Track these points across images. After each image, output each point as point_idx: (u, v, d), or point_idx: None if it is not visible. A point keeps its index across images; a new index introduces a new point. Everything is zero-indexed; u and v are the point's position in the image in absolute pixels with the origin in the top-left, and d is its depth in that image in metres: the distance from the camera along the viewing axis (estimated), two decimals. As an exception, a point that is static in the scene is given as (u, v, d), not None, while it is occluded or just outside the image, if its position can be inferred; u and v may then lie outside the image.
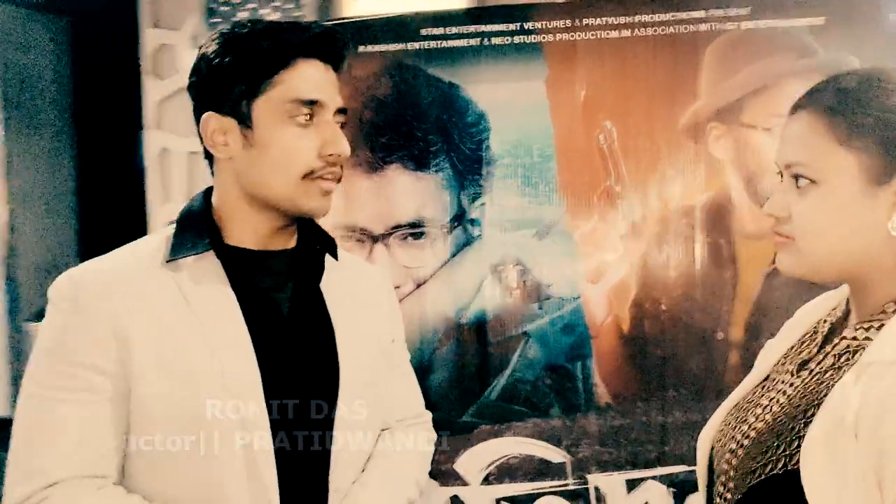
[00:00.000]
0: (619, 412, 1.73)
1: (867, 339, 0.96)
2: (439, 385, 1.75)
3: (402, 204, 1.77)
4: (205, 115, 1.14)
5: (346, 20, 1.89)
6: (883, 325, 0.95)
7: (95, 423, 1.08)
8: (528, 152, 1.73)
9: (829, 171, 0.95)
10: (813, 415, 0.94)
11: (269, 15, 2.70)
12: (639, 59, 1.71)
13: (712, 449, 1.16)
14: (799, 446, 0.93)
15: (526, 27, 1.75)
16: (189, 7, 2.70)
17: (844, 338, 0.99)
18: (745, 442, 1.04)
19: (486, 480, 1.74)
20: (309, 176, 1.11)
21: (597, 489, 1.72)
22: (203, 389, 1.09)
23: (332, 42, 1.16)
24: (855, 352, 0.96)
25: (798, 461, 0.92)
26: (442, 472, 1.74)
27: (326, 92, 1.13)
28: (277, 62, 1.10)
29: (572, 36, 1.73)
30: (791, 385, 1.04)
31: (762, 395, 1.10)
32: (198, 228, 1.17)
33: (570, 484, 1.73)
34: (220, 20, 2.66)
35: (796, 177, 0.98)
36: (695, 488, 1.70)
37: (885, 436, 0.84)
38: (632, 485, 1.72)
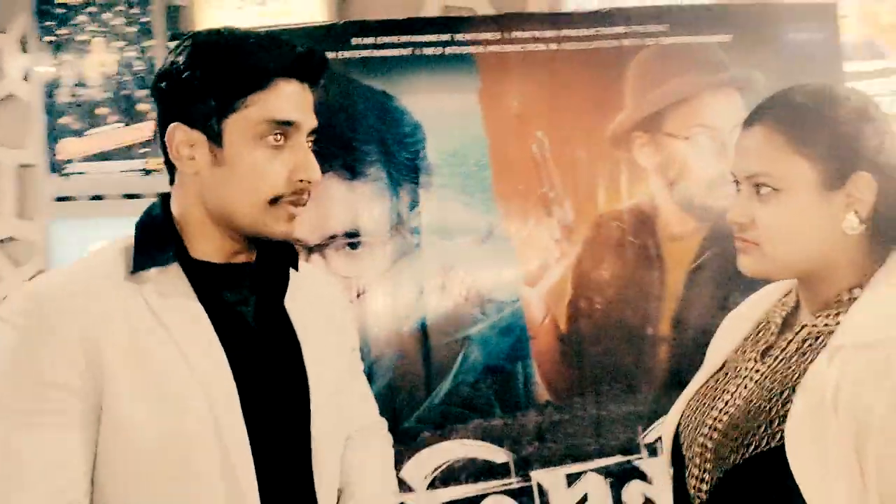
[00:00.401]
0: (558, 409, 1.80)
1: (826, 325, 1.06)
2: (382, 393, 1.75)
3: (337, 213, 1.76)
4: (171, 126, 1.09)
5: (274, 28, 1.85)
6: (840, 312, 1.06)
7: (66, 447, 1.02)
8: (464, 161, 1.77)
9: (789, 179, 1.05)
10: (788, 396, 1.03)
11: (112, 20, 2.56)
12: (567, 72, 1.80)
13: (678, 437, 1.24)
14: (780, 425, 1.01)
15: (457, 39, 1.79)
16: (16, 7, 2.51)
17: (805, 325, 1.09)
18: (720, 426, 1.11)
19: (433, 485, 1.76)
20: (276, 201, 1.09)
21: (539, 485, 1.78)
22: (182, 405, 1.06)
23: (314, 62, 1.14)
24: (817, 337, 1.06)
25: (781, 439, 1.00)
26: (388, 481, 1.74)
27: (303, 113, 1.11)
28: (257, 81, 1.07)
29: (503, 48, 1.79)
30: (757, 371, 1.13)
31: (726, 383, 1.18)
32: (161, 240, 1.13)
33: (514, 482, 1.78)
34: (53, 23, 2.49)
35: (757, 186, 1.08)
36: (630, 477, 1.82)
37: (862, 410, 0.94)
38: (572, 478, 1.79)
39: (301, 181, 1.10)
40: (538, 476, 1.78)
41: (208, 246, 1.14)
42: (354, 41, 1.76)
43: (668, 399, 1.82)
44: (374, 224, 1.78)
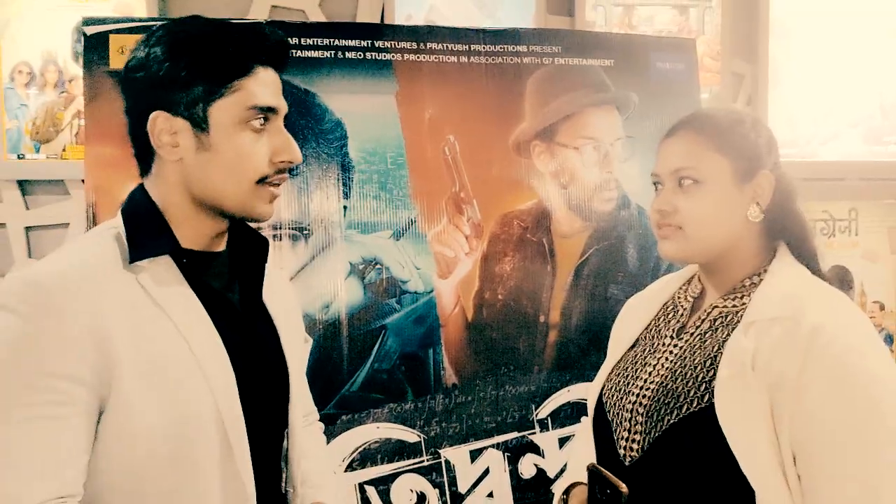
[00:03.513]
0: (463, 391, 1.96)
1: (735, 306, 1.30)
2: (303, 381, 1.81)
3: (259, 207, 1.78)
4: (153, 115, 1.12)
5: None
6: (744, 296, 1.30)
7: (71, 440, 1.02)
8: (382, 160, 1.87)
9: (710, 172, 1.27)
10: (711, 364, 1.25)
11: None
12: (475, 83, 1.97)
13: (601, 407, 1.43)
14: (707, 389, 1.23)
15: (377, 45, 1.90)
16: None
17: (716, 307, 1.33)
18: (648, 393, 1.32)
19: (350, 467, 1.85)
20: (261, 182, 1.15)
21: (447, 462, 1.93)
22: (184, 391, 1.09)
23: (286, 50, 1.21)
24: (726, 316, 1.30)
25: (708, 400, 1.22)
26: (308, 465, 1.80)
27: (279, 98, 1.18)
28: (240, 68, 1.12)
29: (418, 57, 1.92)
30: (675, 346, 1.35)
31: (646, 357, 1.39)
32: (152, 230, 1.15)
33: (425, 461, 1.92)
34: None
35: (681, 179, 1.29)
36: (525, 451, 2.02)
37: (775, 372, 1.17)
38: (475, 454, 1.96)
39: (282, 162, 1.16)
40: (446, 453, 1.93)
41: (190, 233, 1.17)
42: (276, 40, 1.79)
43: (557, 380, 2.06)
44: (297, 217, 1.84)
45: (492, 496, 1.96)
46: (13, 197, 2.36)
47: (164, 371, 1.07)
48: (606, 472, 1.31)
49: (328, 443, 1.81)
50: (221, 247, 1.23)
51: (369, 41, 1.89)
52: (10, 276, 1.05)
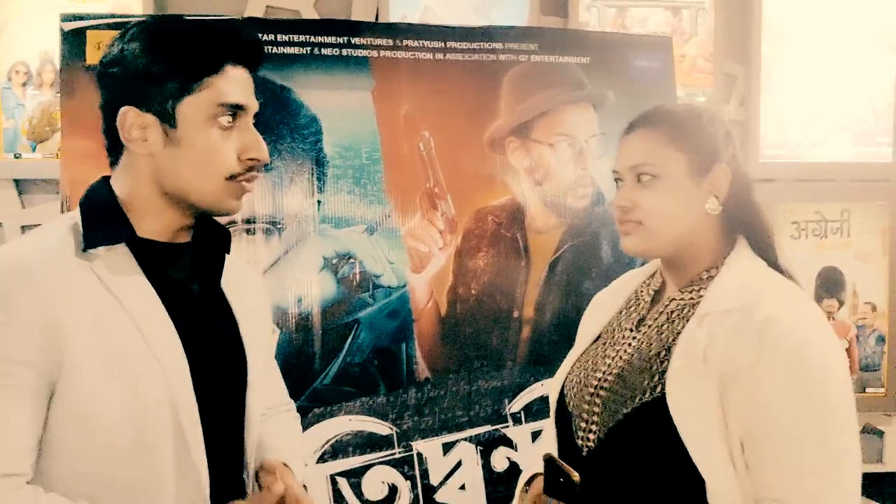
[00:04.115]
0: (435, 385, 1.98)
1: (692, 298, 1.31)
2: (275, 373, 1.83)
3: (234, 201, 1.81)
4: (123, 110, 1.14)
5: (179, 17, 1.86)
6: (701, 288, 1.32)
7: (18, 420, 1.05)
8: (357, 155, 1.90)
9: (668, 167, 1.29)
10: (665, 355, 1.26)
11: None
12: (451, 80, 1.99)
13: (563, 399, 1.44)
14: (660, 380, 1.24)
15: (354, 42, 1.92)
16: None
17: (674, 299, 1.34)
18: (606, 384, 1.33)
19: (322, 459, 1.87)
20: (230, 178, 1.17)
21: (419, 454, 1.95)
22: (138, 379, 1.11)
23: (259, 49, 1.23)
24: (682, 308, 1.31)
25: (662, 390, 1.24)
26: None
27: (249, 97, 1.19)
28: (211, 66, 1.14)
29: (395, 54, 1.94)
30: (634, 338, 1.36)
31: (605, 349, 1.41)
32: (109, 219, 1.17)
33: (397, 453, 1.94)
34: None
35: (640, 175, 1.31)
36: (497, 444, 2.03)
37: (727, 363, 1.18)
38: (447, 447, 1.98)
39: (250, 160, 1.18)
40: (418, 446, 1.95)
41: (155, 225, 1.19)
42: (253, 36, 1.82)
43: (530, 374, 2.07)
44: (271, 212, 1.86)
45: (464, 489, 1.98)
46: (9, 196, 2.40)
47: (124, 363, 1.09)
48: (560, 461, 1.32)
49: (300, 434, 1.82)
50: (186, 239, 1.25)
51: (346, 38, 1.91)
52: None
